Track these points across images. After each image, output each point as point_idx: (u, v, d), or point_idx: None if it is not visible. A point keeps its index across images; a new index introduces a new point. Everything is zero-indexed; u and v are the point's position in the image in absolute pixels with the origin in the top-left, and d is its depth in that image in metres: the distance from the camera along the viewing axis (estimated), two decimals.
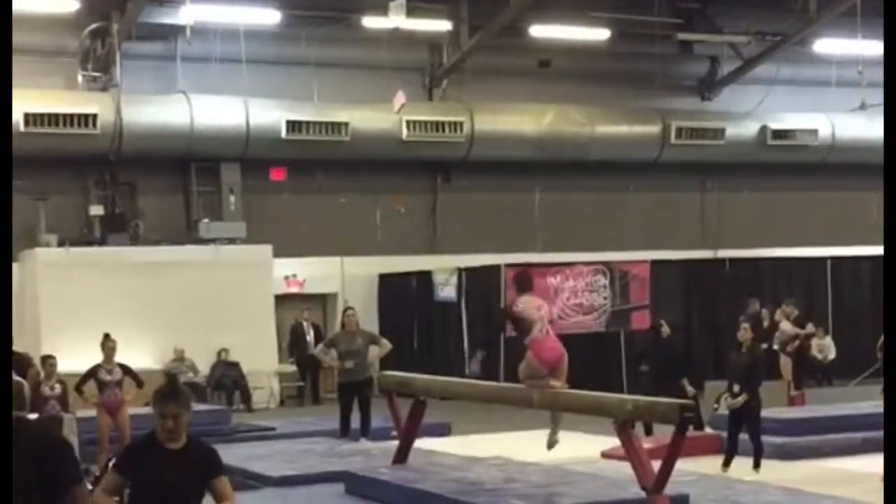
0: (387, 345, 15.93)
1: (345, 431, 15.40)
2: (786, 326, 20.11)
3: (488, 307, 22.31)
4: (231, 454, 13.93)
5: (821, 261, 24.96)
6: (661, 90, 27.56)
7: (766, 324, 20.96)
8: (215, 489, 5.59)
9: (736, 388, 13.05)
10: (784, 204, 28.19)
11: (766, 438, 13.39)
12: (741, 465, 12.92)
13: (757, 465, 12.95)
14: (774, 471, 12.74)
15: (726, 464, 12.95)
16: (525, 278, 10.86)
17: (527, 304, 10.40)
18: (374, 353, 15.90)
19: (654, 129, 26.74)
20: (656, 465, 8.58)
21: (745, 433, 13.11)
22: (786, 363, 19.54)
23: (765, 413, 13.49)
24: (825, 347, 23.41)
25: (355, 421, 15.41)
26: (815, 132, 27.83)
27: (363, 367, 15.42)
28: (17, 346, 17.64)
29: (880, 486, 11.62)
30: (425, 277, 24.04)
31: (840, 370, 22.72)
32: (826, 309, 24.25)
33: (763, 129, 27.47)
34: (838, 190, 28.62)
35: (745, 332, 13.38)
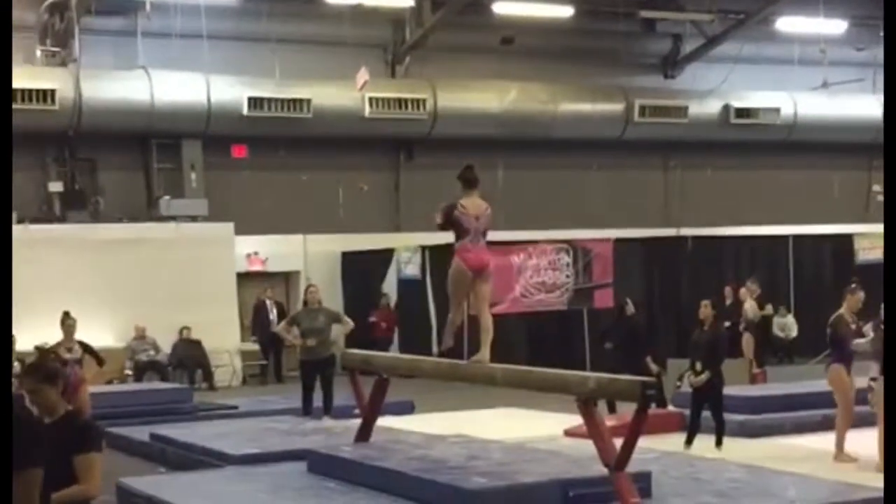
0: (349, 323, 15.87)
1: (307, 409, 15.35)
2: (749, 305, 20.16)
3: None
4: (193, 432, 13.92)
5: (783, 239, 25.06)
6: (624, 68, 27.58)
7: (728, 301, 21.02)
8: (76, 466, 5.38)
9: (698, 365, 13.11)
10: (746, 182, 28.30)
11: (727, 416, 13.44)
12: (704, 443, 12.97)
13: (719, 443, 13.00)
14: (736, 448, 12.80)
15: (689, 441, 13.00)
16: (470, 174, 10.02)
17: (467, 208, 9.82)
18: (338, 331, 15.83)
19: (617, 106, 26.76)
20: (619, 442, 8.56)
21: (707, 411, 13.16)
22: (748, 341, 19.60)
23: (727, 391, 13.54)
24: (787, 326, 23.51)
25: (318, 399, 15.35)
26: (777, 111, 27.93)
27: (325, 345, 15.34)
28: None
29: (835, 465, 11.75)
30: (389, 255, 23.98)
31: (801, 348, 22.84)
32: (788, 287, 24.35)
33: (726, 107, 27.55)
34: (800, 168, 28.76)
35: (705, 310, 13.44)
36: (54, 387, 5.49)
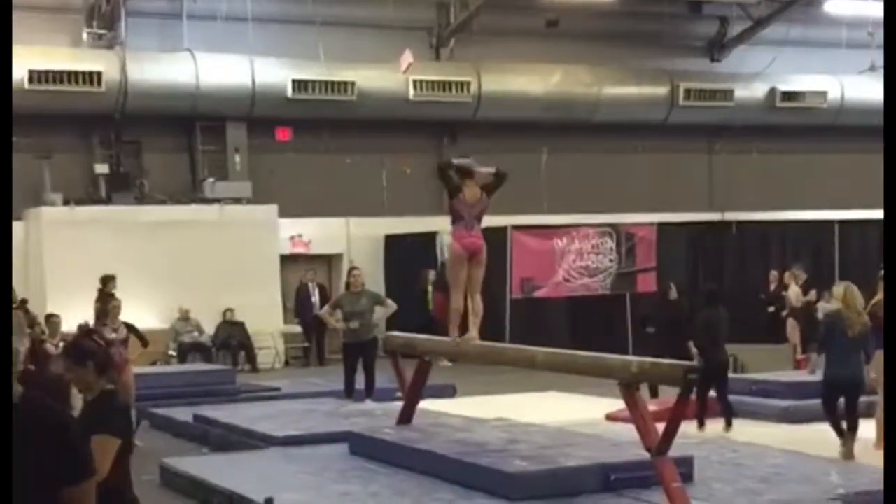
0: (392, 306, 15.88)
1: (349, 392, 15.38)
2: (793, 291, 20.03)
3: (496, 268, 22.25)
4: (236, 414, 14.01)
5: (828, 224, 24.85)
6: (669, 51, 27.41)
7: (773, 287, 20.89)
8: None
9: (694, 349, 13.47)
10: (792, 167, 28.07)
11: (770, 402, 13.38)
12: (744, 427, 12.91)
13: (728, 425, 13.12)
14: (779, 434, 12.72)
15: (701, 424, 12.99)
16: (465, 165, 11.08)
17: (466, 196, 10.71)
18: (380, 313, 15.85)
19: (662, 90, 26.61)
20: (661, 427, 8.54)
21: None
22: (793, 327, 19.47)
23: (770, 376, 13.50)
24: None
25: (360, 382, 15.38)
26: (824, 94, 27.66)
27: (368, 328, 15.36)
28: None
29: (878, 452, 11.65)
30: (432, 238, 23.96)
31: None
32: (833, 272, 24.13)
33: (772, 90, 27.32)
34: (847, 153, 28.47)
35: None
36: (88, 366, 5.47)
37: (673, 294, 15.84)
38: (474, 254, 10.74)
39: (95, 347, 5.56)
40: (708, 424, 13.11)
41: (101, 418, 5.31)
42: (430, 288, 22.80)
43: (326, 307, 16.58)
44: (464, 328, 11.13)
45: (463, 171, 10.93)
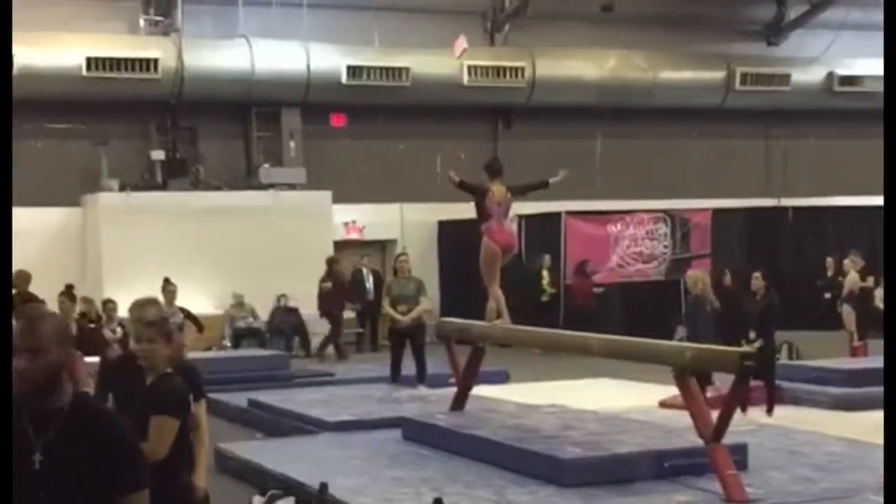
0: (427, 302, 15.82)
1: (395, 376, 15.38)
2: (851, 278, 19.82)
3: (550, 253, 22.22)
4: (290, 399, 14.08)
5: None
6: (725, 35, 27.19)
7: (829, 273, 20.69)
8: (151, 426, 5.47)
9: (752, 334, 13.28)
10: (850, 152, 27.73)
11: (827, 389, 13.26)
12: (800, 414, 12.81)
13: (770, 410, 13.11)
14: (835, 421, 12.60)
15: (743, 409, 12.93)
16: (497, 164, 11.61)
17: (494, 194, 11.15)
18: (425, 302, 15.76)
19: (718, 74, 26.41)
20: (715, 414, 8.49)
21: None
22: (849, 314, 19.28)
23: (826, 363, 13.39)
24: None
25: (406, 367, 15.39)
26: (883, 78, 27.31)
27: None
28: (80, 289, 17.89)
29: None
30: None
31: None
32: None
33: (830, 75, 27.04)
34: None
35: (757, 281, 13.79)
36: (159, 343, 5.54)
37: (727, 280, 15.75)
38: (508, 250, 11.33)
39: (172, 329, 5.65)
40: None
41: (161, 399, 5.39)
42: (545, 273, 22.23)
43: (386, 301, 16.32)
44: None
45: (492, 170, 11.39)
